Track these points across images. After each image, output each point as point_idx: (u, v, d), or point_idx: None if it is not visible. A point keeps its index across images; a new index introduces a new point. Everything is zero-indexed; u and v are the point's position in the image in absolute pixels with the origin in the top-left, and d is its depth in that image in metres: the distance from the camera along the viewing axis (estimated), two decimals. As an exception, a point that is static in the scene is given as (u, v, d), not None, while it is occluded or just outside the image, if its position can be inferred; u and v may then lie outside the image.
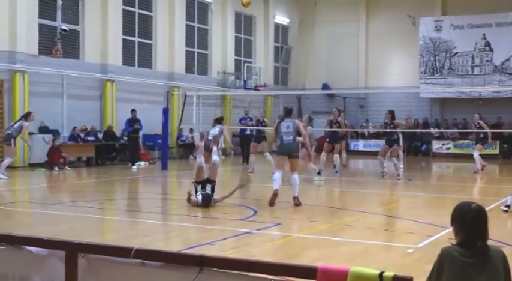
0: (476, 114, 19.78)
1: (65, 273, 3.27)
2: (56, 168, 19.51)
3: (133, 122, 21.45)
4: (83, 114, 22.40)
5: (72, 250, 3.29)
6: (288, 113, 12.68)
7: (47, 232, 8.60)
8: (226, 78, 30.28)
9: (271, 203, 11.76)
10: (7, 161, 17.45)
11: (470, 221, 3.38)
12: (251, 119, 24.14)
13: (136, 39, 25.50)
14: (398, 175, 17.33)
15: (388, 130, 17.55)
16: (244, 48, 32.50)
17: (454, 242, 3.42)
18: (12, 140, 17.67)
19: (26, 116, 17.96)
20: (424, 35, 31.79)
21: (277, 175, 12.07)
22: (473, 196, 14.25)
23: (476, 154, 19.39)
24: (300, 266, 2.91)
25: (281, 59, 35.27)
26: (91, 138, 22.00)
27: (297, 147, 12.93)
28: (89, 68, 22.75)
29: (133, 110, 21.57)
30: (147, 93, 24.86)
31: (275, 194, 11.81)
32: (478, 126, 19.50)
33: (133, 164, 21.19)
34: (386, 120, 17.83)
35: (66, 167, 20.04)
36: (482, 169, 19.33)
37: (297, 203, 11.94)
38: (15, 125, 17.81)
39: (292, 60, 36.10)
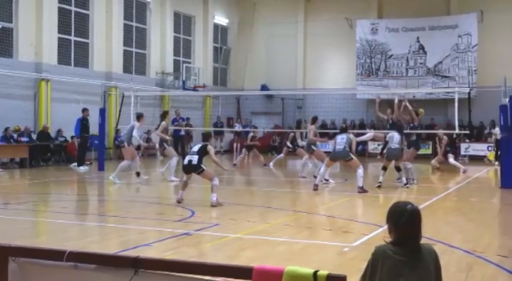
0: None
1: (-5, 278, 3.18)
2: (-12, 169, 18.92)
3: (85, 121, 21.03)
4: (16, 114, 21.81)
5: (2, 254, 3.19)
6: (343, 129, 15.87)
7: (-23, 235, 8.32)
8: (164, 78, 30.07)
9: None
10: (174, 161, 17.30)
11: (404, 221, 3.45)
12: (183, 120, 24.64)
13: (73, 37, 25.00)
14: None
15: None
16: (183, 48, 32.35)
17: (388, 240, 3.49)
18: (165, 144, 17.35)
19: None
20: (360, 38, 32.40)
21: (323, 170, 15.36)
22: (407, 195, 14.59)
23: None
24: (236, 267, 2.92)
25: (220, 60, 35.25)
26: (24, 139, 21.42)
27: (347, 153, 14.93)
28: (22, 67, 22.16)
29: (84, 110, 21.12)
30: (83, 93, 24.42)
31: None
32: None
33: (80, 165, 20.79)
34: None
35: (-1, 168, 19.46)
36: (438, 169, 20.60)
37: (360, 191, 14.47)
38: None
39: (232, 61, 36.14)
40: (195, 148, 12.54)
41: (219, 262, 3.13)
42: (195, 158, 12.25)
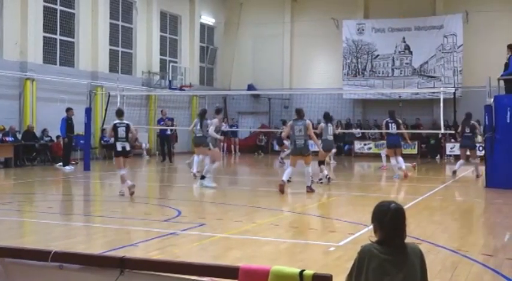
0: None
1: (-21, 278, 3.16)
2: (-28, 169, 18.77)
3: (70, 121, 20.93)
4: (1, 114, 21.68)
5: (-14, 254, 3.17)
6: (299, 114, 14.46)
7: (-38, 236, 8.25)
8: (151, 78, 29.99)
9: (282, 191, 14.04)
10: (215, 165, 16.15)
11: (388, 220, 3.47)
12: (170, 119, 24.75)
13: (58, 36, 24.87)
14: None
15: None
16: (169, 48, 32.28)
17: (373, 239, 3.51)
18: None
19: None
20: (347, 38, 32.48)
21: (289, 170, 14.47)
22: (393, 194, 14.66)
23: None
24: (222, 267, 2.92)
25: (207, 60, 35.21)
26: (9, 138, 21.27)
27: (307, 148, 14.43)
28: (7, 66, 22.01)
29: (69, 109, 20.99)
30: (69, 93, 24.29)
31: (281, 185, 14.11)
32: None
33: (65, 165, 20.66)
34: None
35: (-17, 168, 19.31)
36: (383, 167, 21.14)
37: (308, 191, 14.25)
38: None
39: (218, 61, 36.11)
40: (123, 133, 13.36)
41: (205, 262, 3.13)
42: (127, 145, 13.42)
